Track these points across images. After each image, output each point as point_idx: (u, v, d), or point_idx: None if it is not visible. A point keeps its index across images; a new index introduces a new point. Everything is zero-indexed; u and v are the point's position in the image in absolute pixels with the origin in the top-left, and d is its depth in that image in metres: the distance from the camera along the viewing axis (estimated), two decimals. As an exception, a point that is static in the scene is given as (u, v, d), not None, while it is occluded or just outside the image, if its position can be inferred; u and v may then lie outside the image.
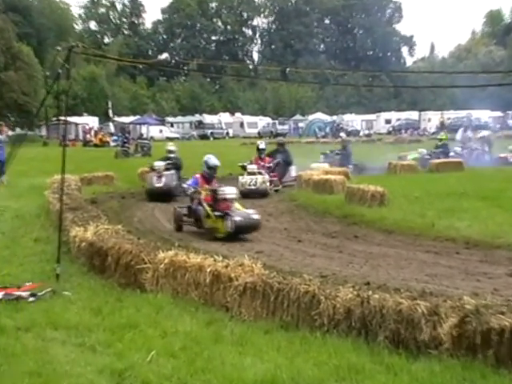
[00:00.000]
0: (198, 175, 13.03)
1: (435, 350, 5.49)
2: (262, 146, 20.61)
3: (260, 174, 18.59)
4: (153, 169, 18.18)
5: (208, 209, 12.03)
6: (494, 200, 14.92)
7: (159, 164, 18.21)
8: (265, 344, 6.02)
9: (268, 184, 18.56)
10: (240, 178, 18.29)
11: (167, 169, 18.09)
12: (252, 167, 18.75)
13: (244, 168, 18.98)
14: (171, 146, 19.85)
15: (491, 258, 9.90)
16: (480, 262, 9.75)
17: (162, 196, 17.37)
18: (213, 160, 13.06)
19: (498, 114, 71.27)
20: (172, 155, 19.08)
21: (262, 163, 19.79)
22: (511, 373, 5.03)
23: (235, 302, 6.97)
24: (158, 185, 17.72)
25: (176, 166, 18.57)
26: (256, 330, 6.41)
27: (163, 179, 17.76)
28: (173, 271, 7.73)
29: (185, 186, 13.09)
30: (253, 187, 18.03)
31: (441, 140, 28.56)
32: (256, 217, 11.91)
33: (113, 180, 21.11)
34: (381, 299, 5.97)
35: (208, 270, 7.35)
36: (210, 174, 12.97)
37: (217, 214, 11.87)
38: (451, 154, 27.49)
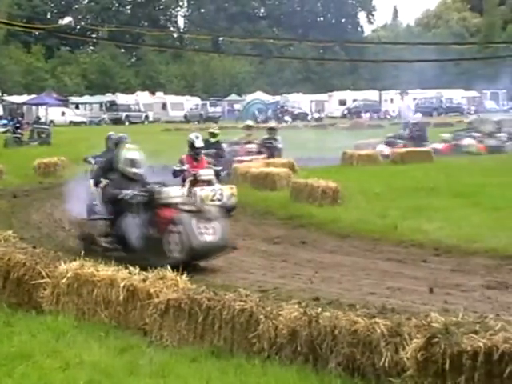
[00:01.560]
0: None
1: (397, 378, 5.57)
2: (198, 143, 16.21)
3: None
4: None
5: None
6: (469, 197, 15.26)
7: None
8: (191, 375, 6.01)
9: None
10: (197, 189, 15.42)
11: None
12: (206, 172, 15.10)
13: (177, 174, 15.21)
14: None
15: (465, 267, 10.12)
16: (452, 271, 9.97)
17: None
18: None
19: (473, 93, 73.02)
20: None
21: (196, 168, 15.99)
22: (487, 404, 5.14)
23: (155, 323, 6.94)
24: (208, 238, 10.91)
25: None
26: (180, 358, 6.40)
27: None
28: (77, 287, 7.64)
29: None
30: (217, 202, 14.74)
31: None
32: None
33: (1, 174, 20.76)
34: (332, 318, 6.03)
35: (121, 284, 7.30)
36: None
37: None
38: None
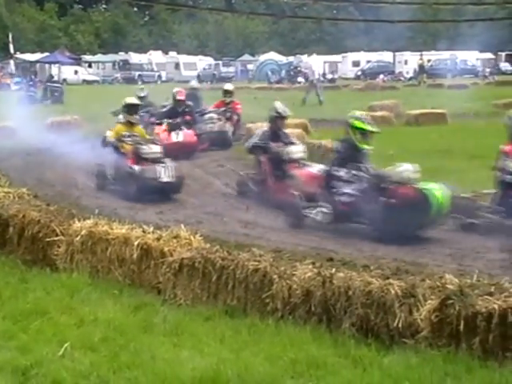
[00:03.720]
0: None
1: (411, 340, 5.58)
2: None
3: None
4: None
5: None
6: (484, 159, 15.13)
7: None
8: (205, 334, 6.03)
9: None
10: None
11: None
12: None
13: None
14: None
15: (481, 229, 10.04)
16: (465, 233, 9.90)
17: None
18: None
19: (489, 55, 72.26)
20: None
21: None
22: (501, 365, 5.14)
23: (169, 282, 6.96)
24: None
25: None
26: (194, 317, 6.42)
27: None
28: (91, 245, 7.68)
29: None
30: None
31: None
32: None
33: (15, 132, 20.72)
34: (346, 278, 6.03)
35: (135, 243, 7.32)
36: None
37: None
38: None
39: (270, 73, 68.73)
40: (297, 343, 5.72)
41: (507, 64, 72.46)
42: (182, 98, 18.11)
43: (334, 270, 6.24)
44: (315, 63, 39.62)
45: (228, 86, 20.96)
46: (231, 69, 75.93)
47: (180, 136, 17.18)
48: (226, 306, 6.58)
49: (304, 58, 76.59)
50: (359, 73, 73.79)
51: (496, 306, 5.24)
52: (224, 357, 5.49)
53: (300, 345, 5.69)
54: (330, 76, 69.64)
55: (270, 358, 5.48)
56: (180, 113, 17.95)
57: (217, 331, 6.09)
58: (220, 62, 76.21)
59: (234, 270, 6.57)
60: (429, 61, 66.43)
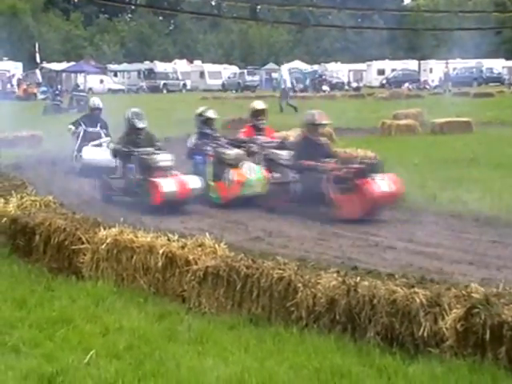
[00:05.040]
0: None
1: (436, 349, 5.55)
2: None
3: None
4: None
5: None
6: (510, 168, 15.08)
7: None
8: (229, 342, 6.03)
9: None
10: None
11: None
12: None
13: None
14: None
15: (506, 239, 9.99)
16: (492, 242, 9.85)
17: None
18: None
19: (515, 63, 71.88)
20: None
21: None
22: (527, 375, 5.11)
23: (193, 290, 6.97)
24: None
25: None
26: (219, 326, 6.43)
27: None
28: (117, 253, 7.71)
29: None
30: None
31: None
32: None
33: (41, 141, 20.89)
34: (371, 287, 6.01)
35: (160, 251, 7.34)
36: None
37: None
38: None
39: (294, 81, 68.71)
40: (321, 352, 5.71)
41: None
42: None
43: (358, 278, 6.23)
44: (285, 72, 39.99)
45: (259, 105, 14.76)
46: (256, 77, 76.00)
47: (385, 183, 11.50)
48: (250, 314, 6.58)
49: (329, 66, 76.72)
50: (384, 81, 73.61)
51: (522, 316, 5.22)
52: (248, 365, 5.50)
53: (324, 354, 5.68)
54: (355, 84, 69.60)
55: (295, 367, 5.48)
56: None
57: (241, 340, 6.09)
58: (245, 71, 76.30)
59: (259, 278, 6.57)
60: (454, 69, 66.18)
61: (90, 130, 16.88)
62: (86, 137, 16.74)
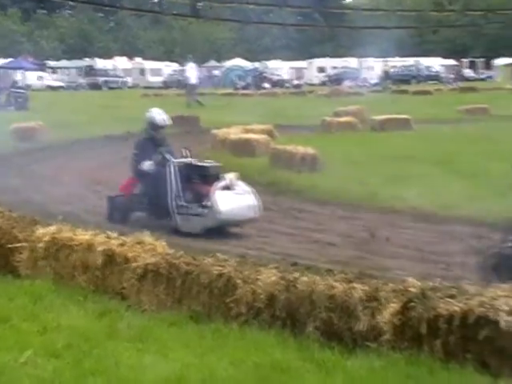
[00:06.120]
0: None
1: (374, 343, 5.61)
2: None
3: None
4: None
5: None
6: (448, 164, 15.31)
7: None
8: (170, 339, 6.01)
9: None
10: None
11: None
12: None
13: None
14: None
15: (443, 235, 10.16)
16: (431, 238, 10.01)
17: None
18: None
19: (451, 62, 73.01)
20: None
21: None
22: (462, 367, 5.19)
23: (133, 288, 6.94)
24: None
25: None
26: (159, 323, 6.40)
27: None
28: (55, 251, 7.62)
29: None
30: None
31: None
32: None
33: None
34: (310, 283, 6.05)
35: (99, 249, 7.28)
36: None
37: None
38: None
39: (236, 79, 68.76)
40: (261, 347, 5.73)
41: (470, 70, 73.26)
42: None
43: (297, 274, 6.27)
44: (190, 69, 40.83)
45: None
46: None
47: None
48: (190, 311, 6.56)
49: (270, 63, 76.91)
50: (325, 79, 74.05)
51: (457, 309, 5.30)
52: (188, 362, 5.49)
53: (264, 349, 5.70)
54: (295, 82, 69.90)
55: (235, 363, 5.49)
56: None
57: (181, 336, 6.08)
58: (184, 68, 75.91)
59: (199, 275, 6.56)
60: (393, 67, 66.98)
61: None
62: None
